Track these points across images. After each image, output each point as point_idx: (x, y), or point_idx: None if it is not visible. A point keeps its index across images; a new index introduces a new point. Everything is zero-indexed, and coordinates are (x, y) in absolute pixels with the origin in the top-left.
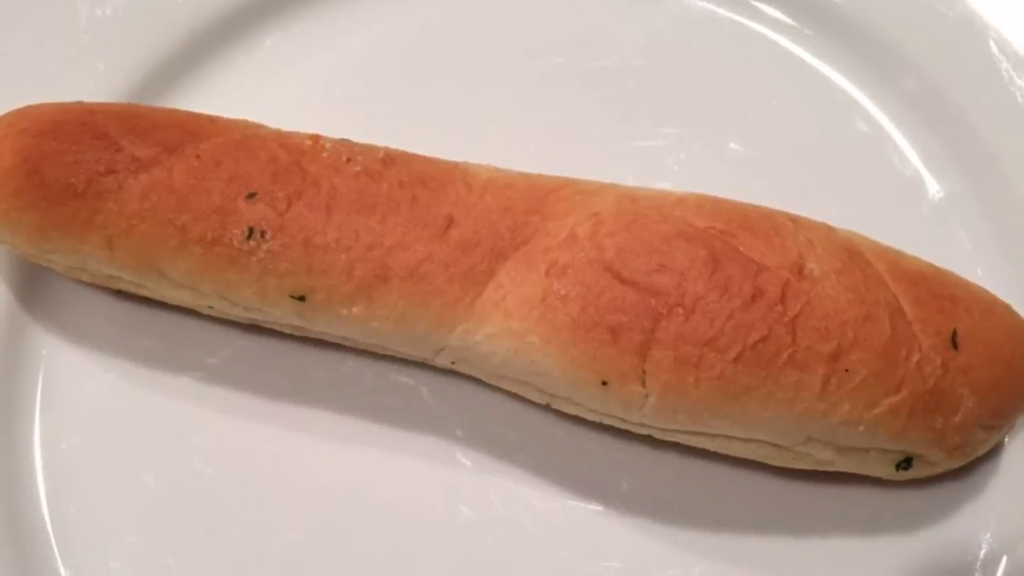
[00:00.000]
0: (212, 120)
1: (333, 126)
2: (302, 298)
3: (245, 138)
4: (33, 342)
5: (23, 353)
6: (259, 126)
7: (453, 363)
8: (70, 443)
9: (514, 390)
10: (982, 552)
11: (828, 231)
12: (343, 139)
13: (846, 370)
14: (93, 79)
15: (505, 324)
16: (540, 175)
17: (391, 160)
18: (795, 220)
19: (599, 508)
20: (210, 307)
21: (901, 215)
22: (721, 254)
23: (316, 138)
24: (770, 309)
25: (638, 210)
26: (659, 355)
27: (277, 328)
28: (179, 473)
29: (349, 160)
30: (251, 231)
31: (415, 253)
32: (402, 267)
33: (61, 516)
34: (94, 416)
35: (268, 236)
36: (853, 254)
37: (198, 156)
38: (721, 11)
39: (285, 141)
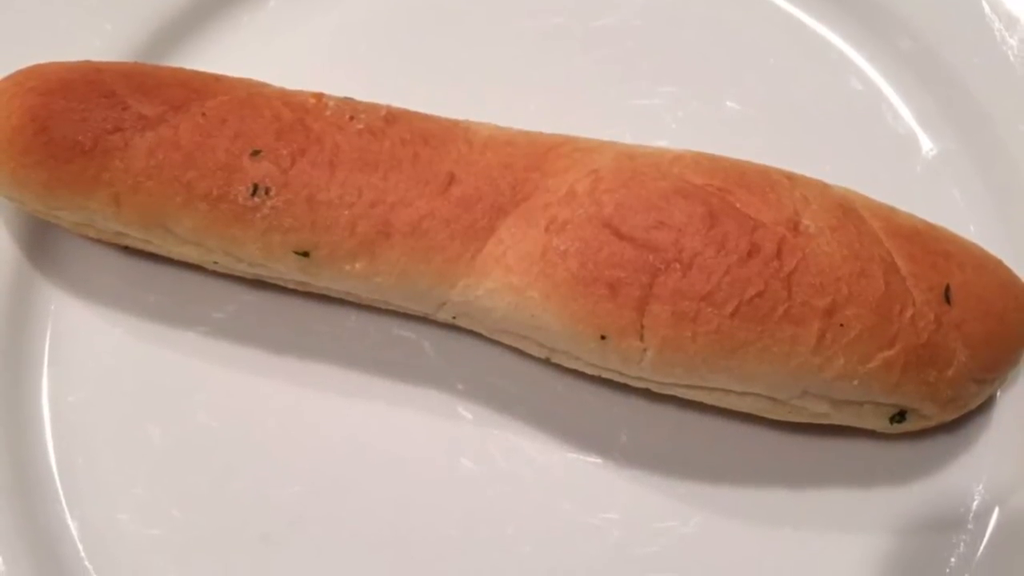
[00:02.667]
0: (217, 79)
1: (336, 85)
2: (306, 254)
3: (249, 96)
4: (41, 297)
5: (31, 308)
6: (263, 85)
7: (455, 318)
8: (77, 396)
9: (514, 344)
10: (974, 504)
11: (823, 188)
12: (346, 97)
13: (841, 325)
14: (100, 38)
15: (505, 279)
16: (540, 133)
17: (393, 118)
18: (791, 177)
19: (598, 460)
20: (215, 263)
21: (895, 172)
22: (718, 210)
23: (319, 96)
24: (766, 265)
25: (636, 167)
26: (657, 310)
27: (281, 283)
28: (185, 426)
29: (352, 118)
30: (255, 188)
31: (417, 209)
32: (404, 223)
33: (68, 468)
34: (101, 370)
35: (272, 193)
36: (848, 211)
37: (203, 114)
38: None
39: (289, 99)
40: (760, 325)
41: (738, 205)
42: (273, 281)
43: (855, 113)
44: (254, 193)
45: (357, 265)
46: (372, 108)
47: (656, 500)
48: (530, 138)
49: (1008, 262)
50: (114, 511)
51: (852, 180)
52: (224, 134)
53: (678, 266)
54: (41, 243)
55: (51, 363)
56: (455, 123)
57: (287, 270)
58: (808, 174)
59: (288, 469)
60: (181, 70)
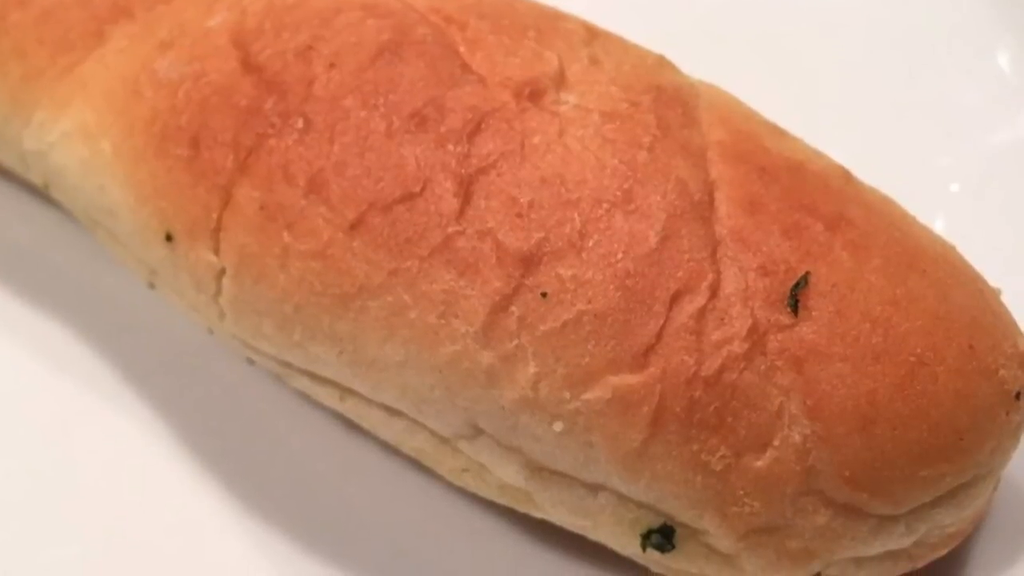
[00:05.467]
0: None
1: None
2: None
3: None
4: None
5: None
6: None
7: (48, 187)
8: None
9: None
10: None
11: (645, 59)
12: None
13: (543, 294)
14: None
15: (81, 117)
16: None
17: None
18: (595, 32)
19: None
20: None
21: None
22: (411, 43)
23: None
24: (439, 147)
25: None
26: (244, 196)
27: None
28: None
29: None
30: None
31: None
32: None
33: None
34: None
35: None
36: (668, 99)
37: None
38: None
39: None
40: (397, 257)
41: (461, 48)
42: None
43: None
44: None
45: None
46: None
47: None
48: None
49: None
50: None
51: None
52: None
53: (300, 122)
54: None
55: None
56: None
57: None
58: None
59: None
60: None
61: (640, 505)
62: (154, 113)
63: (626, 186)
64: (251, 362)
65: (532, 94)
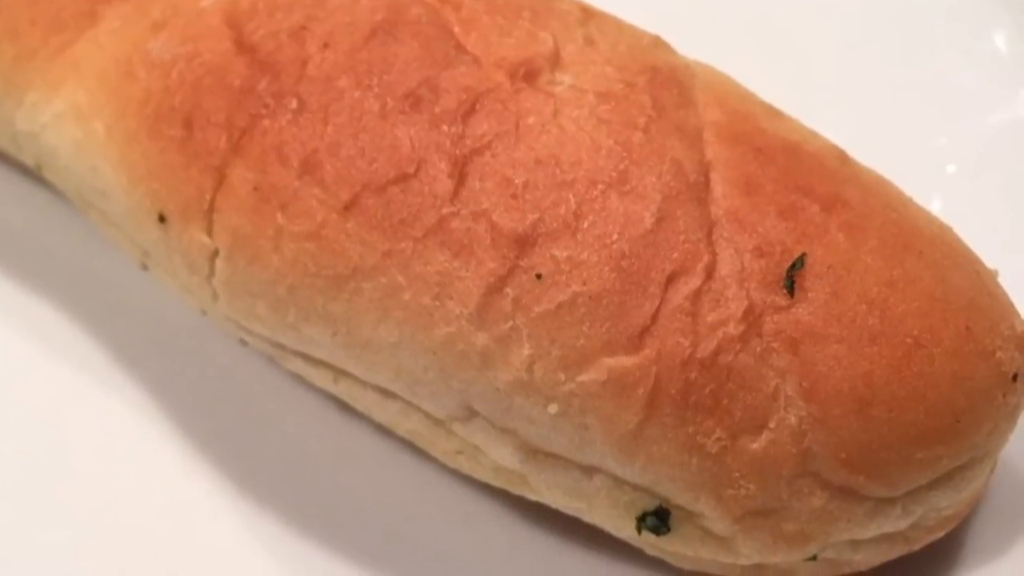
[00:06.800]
0: None
1: None
2: None
3: None
4: None
5: None
6: None
7: (40, 168)
8: None
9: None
10: None
11: (639, 39)
12: None
13: (538, 276)
14: None
15: (74, 98)
16: None
17: None
18: (589, 12)
19: None
20: None
21: None
22: (405, 23)
23: None
24: (433, 128)
25: None
26: (238, 177)
27: None
28: None
29: None
30: None
31: None
32: None
33: None
34: None
35: None
36: (663, 79)
37: None
38: None
39: None
40: (391, 239)
41: (456, 28)
42: None
43: None
44: None
45: None
46: None
47: None
48: None
49: None
50: None
51: None
52: None
53: (294, 102)
54: None
55: None
56: None
57: None
58: None
59: None
60: None
61: (635, 487)
62: (147, 94)
63: (621, 167)
64: (244, 344)
65: (527, 74)
